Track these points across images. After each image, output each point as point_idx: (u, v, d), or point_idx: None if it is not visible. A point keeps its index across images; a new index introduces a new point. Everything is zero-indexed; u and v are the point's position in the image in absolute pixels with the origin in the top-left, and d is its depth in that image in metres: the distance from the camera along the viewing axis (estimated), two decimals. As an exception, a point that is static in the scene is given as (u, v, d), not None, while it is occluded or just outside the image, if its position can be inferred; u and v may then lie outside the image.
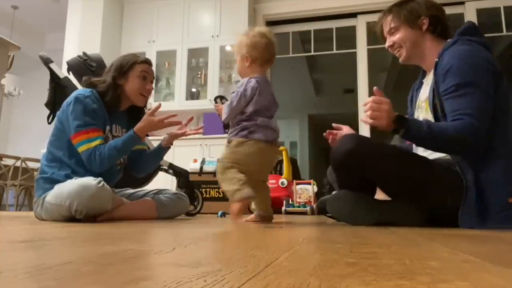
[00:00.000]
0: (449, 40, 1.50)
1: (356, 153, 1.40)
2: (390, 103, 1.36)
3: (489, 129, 1.35)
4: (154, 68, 5.15)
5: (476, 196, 1.32)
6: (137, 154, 1.87)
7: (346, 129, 1.71)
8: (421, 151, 1.54)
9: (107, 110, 1.72)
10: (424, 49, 1.55)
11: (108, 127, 1.73)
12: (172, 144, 1.92)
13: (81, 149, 1.60)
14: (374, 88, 1.41)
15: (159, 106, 1.77)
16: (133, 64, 1.76)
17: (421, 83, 1.64)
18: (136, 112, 1.87)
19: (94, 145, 1.60)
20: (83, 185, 1.45)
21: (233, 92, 1.59)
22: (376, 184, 1.56)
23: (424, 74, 1.64)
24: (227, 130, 1.68)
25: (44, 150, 1.73)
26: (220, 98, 1.86)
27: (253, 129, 1.53)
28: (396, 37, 1.57)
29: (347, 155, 1.41)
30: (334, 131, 1.72)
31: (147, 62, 1.82)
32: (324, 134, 1.71)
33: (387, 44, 1.63)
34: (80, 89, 1.71)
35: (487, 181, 1.33)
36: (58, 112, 1.72)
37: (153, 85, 1.85)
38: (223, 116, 1.61)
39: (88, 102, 1.63)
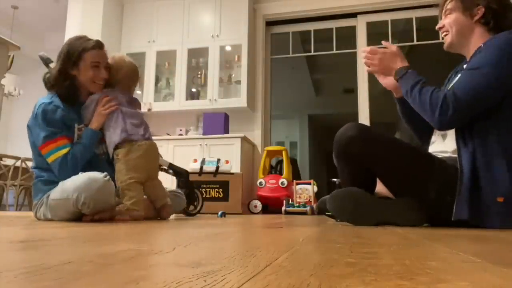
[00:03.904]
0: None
1: (358, 139, 1.43)
2: (391, 52, 1.50)
3: (493, 126, 1.33)
4: (153, 68, 5.13)
5: (470, 189, 1.31)
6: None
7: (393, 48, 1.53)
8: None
9: (69, 104, 1.67)
10: (470, 39, 1.48)
11: (82, 125, 1.70)
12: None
13: (50, 159, 1.60)
14: (383, 42, 1.59)
15: (106, 98, 1.72)
16: (82, 53, 1.67)
17: (462, 69, 1.58)
18: None
19: (63, 153, 1.60)
20: (92, 178, 1.46)
21: None
22: (375, 176, 1.55)
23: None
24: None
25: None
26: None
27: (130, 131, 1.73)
28: (447, 20, 1.52)
29: (349, 141, 1.45)
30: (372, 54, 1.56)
31: (97, 47, 1.71)
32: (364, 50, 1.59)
33: (437, 26, 1.58)
34: (41, 98, 1.66)
35: (483, 177, 1.31)
36: (28, 123, 1.66)
37: (106, 72, 1.74)
38: None
39: (50, 111, 1.60)
